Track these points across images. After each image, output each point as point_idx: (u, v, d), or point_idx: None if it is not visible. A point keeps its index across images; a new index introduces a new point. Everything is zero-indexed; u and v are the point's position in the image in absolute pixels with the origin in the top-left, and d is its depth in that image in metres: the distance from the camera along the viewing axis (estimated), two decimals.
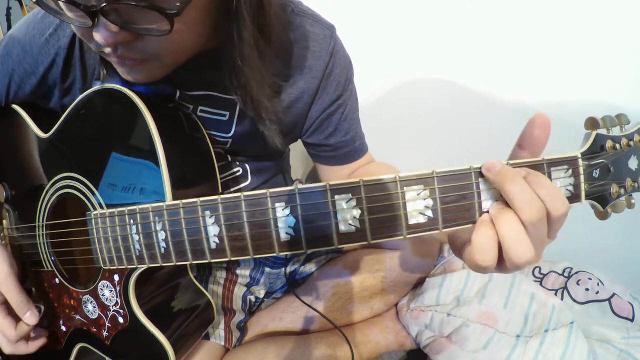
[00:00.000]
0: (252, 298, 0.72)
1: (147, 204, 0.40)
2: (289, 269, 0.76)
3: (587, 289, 0.72)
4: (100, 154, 0.46)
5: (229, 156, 0.59)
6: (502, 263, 0.31)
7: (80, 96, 0.48)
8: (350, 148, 0.61)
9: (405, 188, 0.31)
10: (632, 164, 0.36)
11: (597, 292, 0.71)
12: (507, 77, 0.88)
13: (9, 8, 1.32)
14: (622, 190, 0.35)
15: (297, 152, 0.91)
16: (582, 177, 0.32)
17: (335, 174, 0.65)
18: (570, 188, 0.32)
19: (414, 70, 0.93)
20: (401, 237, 0.31)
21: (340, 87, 0.57)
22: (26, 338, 0.51)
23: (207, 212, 0.36)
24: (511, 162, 0.31)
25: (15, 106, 0.56)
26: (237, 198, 0.34)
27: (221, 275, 0.70)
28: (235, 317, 0.66)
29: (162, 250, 0.39)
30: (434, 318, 0.73)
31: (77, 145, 0.49)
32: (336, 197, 0.31)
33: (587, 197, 0.33)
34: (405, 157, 0.96)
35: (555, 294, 0.73)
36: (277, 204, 0.33)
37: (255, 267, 0.73)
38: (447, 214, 0.31)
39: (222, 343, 0.61)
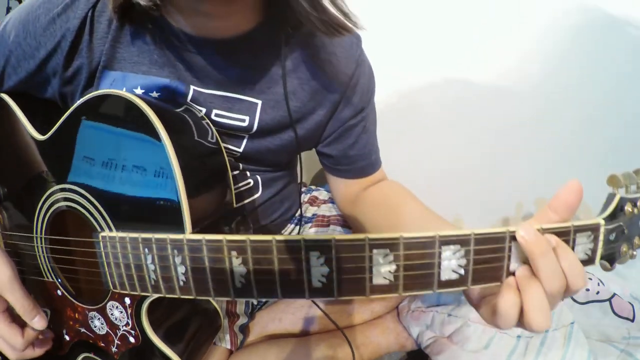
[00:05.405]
0: (254, 301, 0.72)
1: (164, 233, 0.38)
2: None
3: (587, 289, 0.71)
4: (105, 166, 0.43)
5: (241, 165, 0.57)
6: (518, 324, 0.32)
7: (82, 99, 0.43)
8: (366, 162, 0.60)
9: (443, 247, 0.30)
10: None
11: (597, 292, 0.71)
12: (512, 75, 0.87)
13: (9, 8, 1.27)
14: (630, 251, 0.36)
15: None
16: (600, 244, 0.33)
17: (348, 188, 0.63)
18: (589, 252, 0.33)
19: (417, 71, 0.90)
20: (431, 292, 0.32)
21: (365, 98, 0.54)
22: (33, 343, 0.49)
23: (234, 253, 0.35)
24: (544, 226, 0.31)
25: (6, 97, 0.50)
26: (269, 242, 0.33)
27: None
28: (239, 321, 0.66)
29: (182, 283, 0.38)
30: (435, 318, 0.73)
31: (78, 154, 0.45)
32: (374, 251, 0.31)
33: (601, 259, 0.34)
34: (409, 158, 0.95)
35: None
36: (311, 253, 0.32)
37: None
38: (477, 273, 0.31)
39: (229, 347, 0.62)
